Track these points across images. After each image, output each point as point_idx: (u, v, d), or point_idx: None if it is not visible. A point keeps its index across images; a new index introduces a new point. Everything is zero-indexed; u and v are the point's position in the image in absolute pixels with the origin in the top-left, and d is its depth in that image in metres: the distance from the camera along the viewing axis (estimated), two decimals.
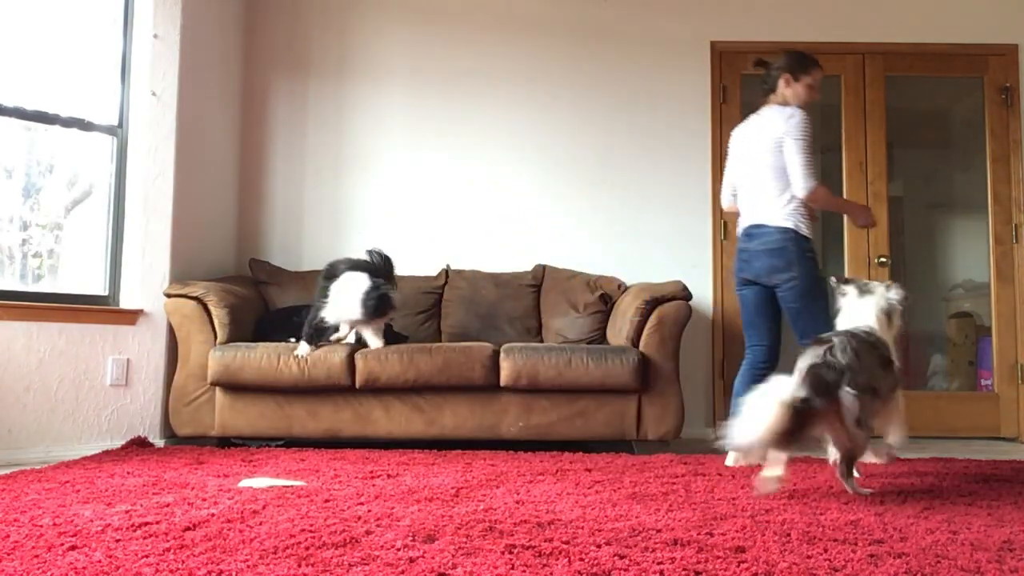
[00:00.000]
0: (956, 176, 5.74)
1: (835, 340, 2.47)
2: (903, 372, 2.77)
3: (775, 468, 2.51)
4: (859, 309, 2.72)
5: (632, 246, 4.57)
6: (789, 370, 2.45)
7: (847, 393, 2.35)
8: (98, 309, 3.72)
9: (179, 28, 3.97)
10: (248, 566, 1.59)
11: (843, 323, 2.75)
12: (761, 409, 2.27)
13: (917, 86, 5.01)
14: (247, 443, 3.72)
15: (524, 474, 2.85)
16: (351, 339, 3.70)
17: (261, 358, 3.54)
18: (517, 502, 2.30)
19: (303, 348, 3.57)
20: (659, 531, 1.92)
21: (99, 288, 3.85)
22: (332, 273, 3.65)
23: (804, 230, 3.16)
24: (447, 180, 4.65)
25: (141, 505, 2.20)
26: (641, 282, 3.99)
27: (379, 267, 3.67)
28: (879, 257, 4.59)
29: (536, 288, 4.34)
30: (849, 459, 2.47)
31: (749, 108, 4.70)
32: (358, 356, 3.57)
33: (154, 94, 3.91)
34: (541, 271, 4.38)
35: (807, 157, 3.10)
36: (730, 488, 2.59)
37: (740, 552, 1.73)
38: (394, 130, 4.68)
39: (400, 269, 4.49)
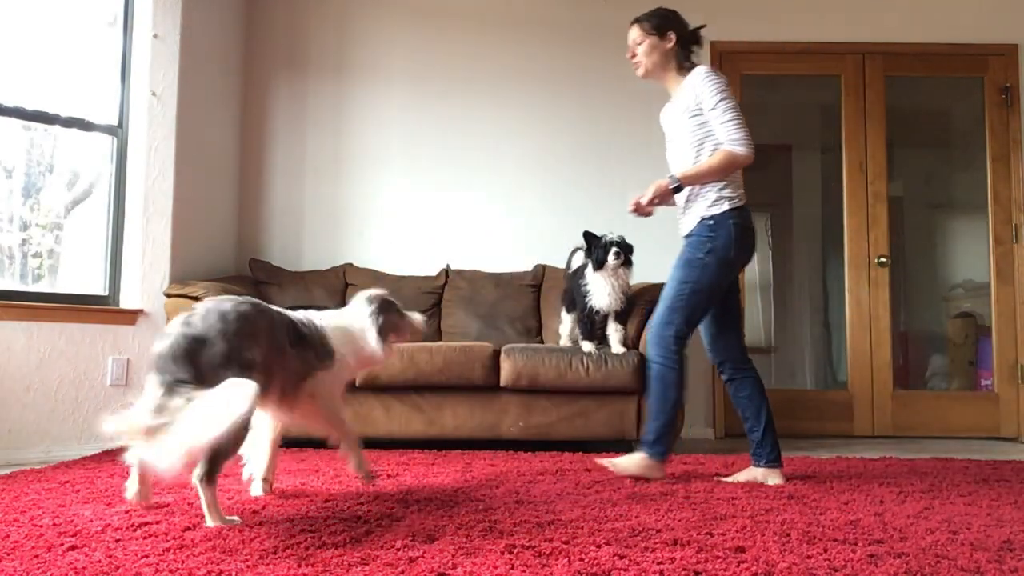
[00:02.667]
0: (956, 176, 5.75)
1: None
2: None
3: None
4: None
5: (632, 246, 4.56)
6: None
7: None
8: (98, 309, 3.72)
9: (179, 28, 3.97)
10: (248, 566, 1.59)
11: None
12: None
13: (917, 86, 5.01)
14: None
15: (524, 474, 2.85)
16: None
17: None
18: (517, 502, 2.30)
19: (587, 346, 3.61)
20: (659, 531, 1.92)
21: (99, 288, 3.85)
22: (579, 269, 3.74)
23: None
24: (447, 180, 4.65)
25: (141, 505, 2.20)
26: (641, 282, 3.98)
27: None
28: (879, 257, 4.59)
29: (536, 288, 4.34)
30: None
31: (749, 108, 4.73)
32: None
33: (154, 94, 3.91)
34: (541, 271, 4.38)
35: None
36: (730, 488, 2.59)
37: (740, 552, 1.73)
38: (394, 129, 4.68)
39: (400, 269, 4.51)
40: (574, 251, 3.91)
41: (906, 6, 4.70)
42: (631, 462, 2.76)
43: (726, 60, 4.68)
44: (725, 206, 2.72)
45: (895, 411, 4.52)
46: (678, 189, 2.75)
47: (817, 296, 6.03)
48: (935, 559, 1.69)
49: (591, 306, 3.61)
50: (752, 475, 2.76)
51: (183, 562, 1.61)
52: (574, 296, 3.74)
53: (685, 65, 2.86)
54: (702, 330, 2.90)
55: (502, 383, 3.56)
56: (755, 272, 5.90)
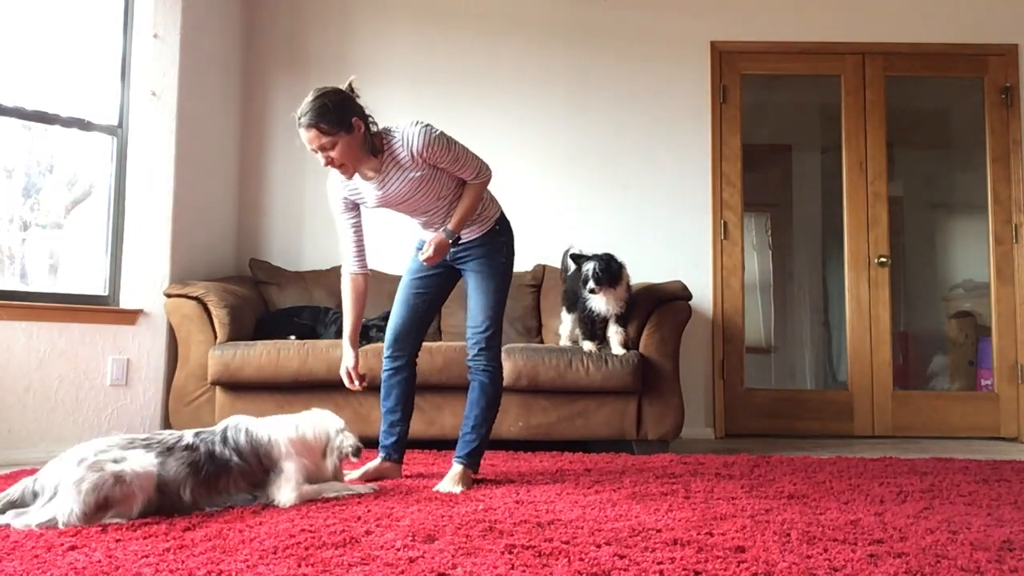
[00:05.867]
0: (956, 176, 5.75)
1: None
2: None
3: None
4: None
5: (632, 246, 4.56)
6: None
7: None
8: (98, 309, 3.72)
9: (179, 28, 3.97)
10: (248, 566, 1.59)
11: None
12: None
13: (917, 86, 5.01)
14: None
15: (524, 474, 2.85)
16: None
17: (261, 355, 3.54)
18: (517, 502, 2.30)
19: (588, 345, 3.60)
20: (659, 531, 1.92)
21: (99, 288, 3.85)
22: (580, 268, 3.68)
23: None
24: None
25: None
26: (641, 282, 3.99)
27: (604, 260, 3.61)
28: (879, 257, 4.59)
29: (536, 288, 4.34)
30: None
31: (749, 108, 4.76)
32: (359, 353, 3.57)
33: (154, 94, 3.91)
34: (541, 271, 4.38)
35: None
36: (730, 488, 2.59)
37: (740, 552, 1.73)
38: None
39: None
40: (567, 251, 3.91)
41: (906, 6, 4.70)
42: (456, 483, 2.58)
43: (726, 60, 4.68)
44: (496, 208, 2.80)
45: (895, 411, 4.52)
46: (457, 240, 2.68)
47: (817, 296, 6.03)
48: (935, 559, 1.69)
49: (591, 308, 3.62)
50: (380, 469, 2.75)
51: (183, 562, 1.61)
52: (574, 296, 3.74)
53: (377, 137, 2.55)
54: (403, 322, 2.84)
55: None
56: (755, 272, 5.90)
